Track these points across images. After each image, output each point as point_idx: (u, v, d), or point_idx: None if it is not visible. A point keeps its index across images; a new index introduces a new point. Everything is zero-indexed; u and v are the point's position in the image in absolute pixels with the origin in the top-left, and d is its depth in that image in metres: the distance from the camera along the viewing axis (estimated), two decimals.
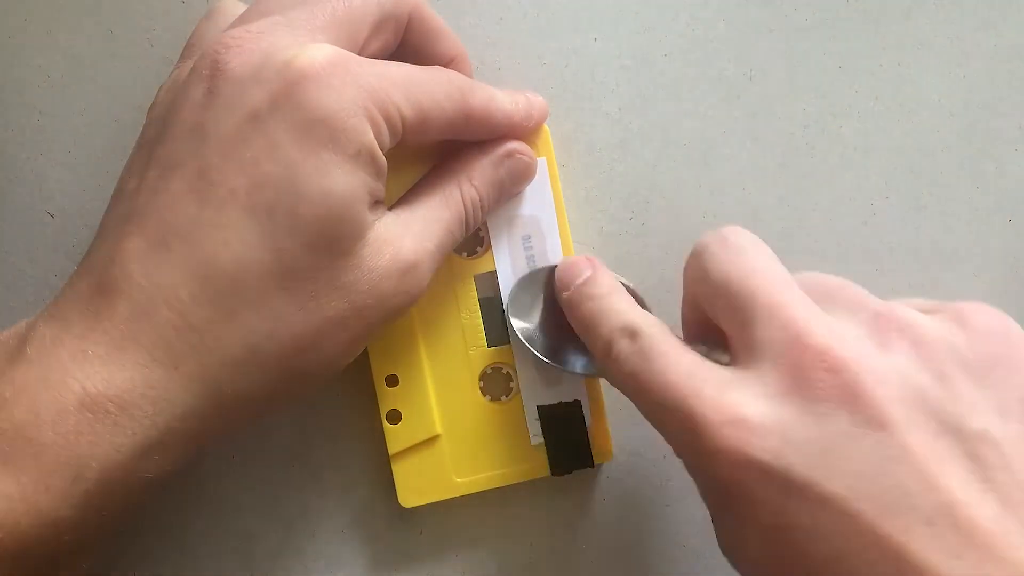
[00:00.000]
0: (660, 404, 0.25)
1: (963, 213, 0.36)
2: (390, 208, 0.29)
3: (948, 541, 0.21)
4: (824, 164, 0.35)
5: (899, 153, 0.36)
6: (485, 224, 0.33)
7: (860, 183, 0.36)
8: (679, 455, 0.26)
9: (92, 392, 0.24)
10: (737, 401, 0.24)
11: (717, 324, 0.27)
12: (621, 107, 0.35)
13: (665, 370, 0.25)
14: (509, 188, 0.32)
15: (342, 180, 0.26)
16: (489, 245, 0.33)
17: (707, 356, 0.26)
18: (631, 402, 0.27)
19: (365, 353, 0.33)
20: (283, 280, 0.26)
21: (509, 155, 0.31)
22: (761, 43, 0.35)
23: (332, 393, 0.34)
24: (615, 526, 0.35)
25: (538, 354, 0.32)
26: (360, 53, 0.28)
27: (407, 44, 0.30)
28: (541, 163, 0.33)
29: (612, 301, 0.29)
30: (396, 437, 0.33)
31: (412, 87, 0.27)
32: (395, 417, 0.33)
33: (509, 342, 0.33)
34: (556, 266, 0.33)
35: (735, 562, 0.25)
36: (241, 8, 0.30)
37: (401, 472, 0.33)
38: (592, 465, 0.33)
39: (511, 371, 0.34)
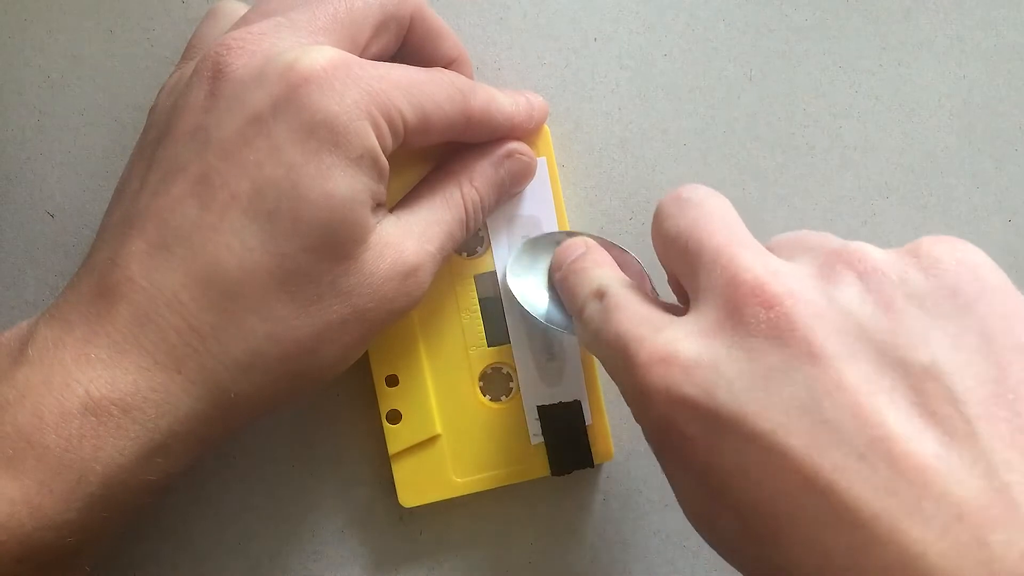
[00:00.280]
0: (612, 354, 0.25)
1: (963, 213, 0.36)
2: (391, 210, 0.29)
3: (882, 477, 0.19)
4: (824, 164, 0.36)
5: (899, 153, 0.36)
6: (485, 224, 0.33)
7: (860, 183, 0.36)
8: (628, 404, 0.25)
9: (95, 395, 0.24)
10: (669, 339, 0.23)
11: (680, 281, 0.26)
12: (621, 107, 0.35)
13: (620, 320, 0.25)
14: (509, 188, 0.32)
15: (344, 183, 0.26)
16: (489, 245, 0.33)
17: None
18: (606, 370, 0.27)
19: (365, 353, 0.33)
20: (285, 283, 0.26)
21: (509, 155, 0.31)
22: (761, 43, 0.35)
23: (332, 393, 0.35)
24: (615, 526, 0.35)
25: (535, 316, 0.32)
26: (361, 55, 0.28)
27: (408, 45, 0.30)
28: (541, 163, 0.33)
29: (592, 268, 0.29)
30: (396, 437, 0.33)
31: (414, 89, 0.27)
32: (395, 417, 0.33)
33: (509, 342, 0.33)
34: (558, 234, 0.33)
35: (687, 517, 0.24)
36: (242, 9, 0.30)
37: (401, 472, 0.33)
38: (592, 465, 0.33)
39: (511, 371, 0.34)
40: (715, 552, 0.25)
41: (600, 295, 0.27)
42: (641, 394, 0.23)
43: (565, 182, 0.35)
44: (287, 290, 0.26)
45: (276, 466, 0.35)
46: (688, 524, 0.25)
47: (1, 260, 0.34)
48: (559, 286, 0.31)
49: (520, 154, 0.32)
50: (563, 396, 0.33)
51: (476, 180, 0.31)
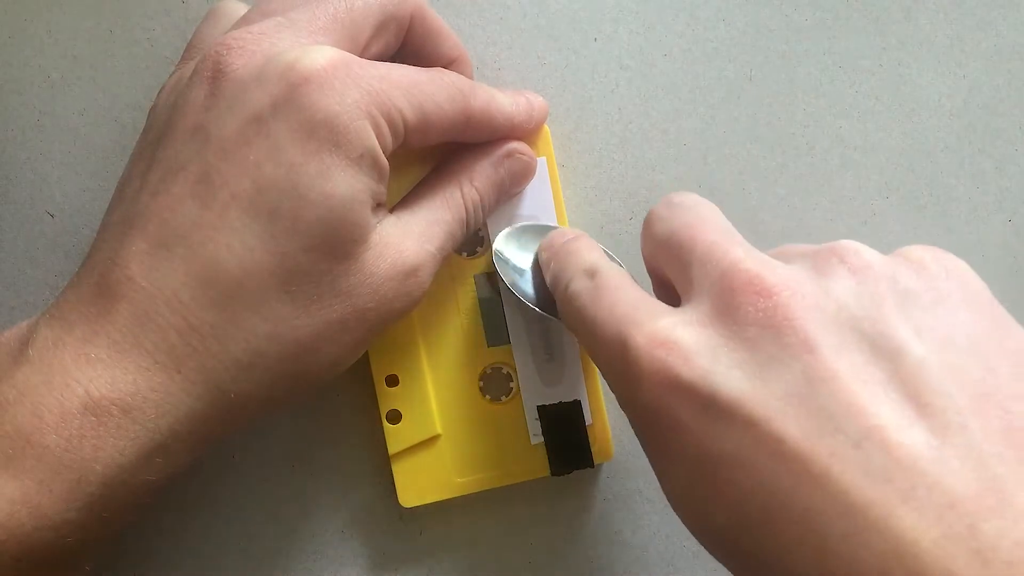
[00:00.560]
0: (601, 337, 0.25)
1: (963, 213, 0.36)
2: (391, 210, 0.29)
3: (876, 464, 0.20)
4: (824, 164, 0.36)
5: (899, 153, 0.36)
6: (485, 224, 0.33)
7: (860, 183, 0.36)
8: (615, 392, 0.25)
9: (96, 395, 0.24)
10: (667, 325, 0.23)
11: (671, 281, 0.27)
12: (621, 107, 0.35)
13: (612, 302, 0.25)
14: (509, 188, 0.32)
15: (344, 183, 0.26)
16: (489, 245, 0.33)
17: None
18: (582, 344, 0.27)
19: (365, 353, 0.33)
20: (285, 283, 0.26)
21: (509, 155, 0.31)
22: (761, 43, 0.35)
23: (332, 393, 0.35)
24: (615, 526, 0.35)
25: (523, 299, 0.32)
26: (361, 55, 0.28)
27: (408, 45, 0.30)
28: (541, 163, 0.33)
29: (586, 251, 0.29)
30: (396, 437, 0.33)
31: (414, 89, 0.27)
32: (395, 417, 0.33)
33: (509, 342, 0.33)
34: (549, 226, 0.33)
35: (674, 507, 0.24)
36: (242, 9, 0.30)
37: (401, 472, 0.33)
38: (592, 465, 0.33)
39: (511, 371, 0.34)
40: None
41: (592, 273, 0.27)
42: (634, 377, 0.23)
43: (565, 182, 0.35)
44: (287, 290, 0.26)
45: (276, 466, 0.35)
46: (664, 493, 0.24)
47: (1, 260, 0.34)
48: (545, 264, 0.31)
49: (520, 154, 0.32)
50: (563, 396, 0.33)
51: (476, 180, 0.31)
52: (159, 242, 0.26)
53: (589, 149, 0.35)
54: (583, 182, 0.35)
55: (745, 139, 0.35)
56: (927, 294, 0.23)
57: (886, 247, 0.35)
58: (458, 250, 0.33)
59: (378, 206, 0.28)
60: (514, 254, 0.32)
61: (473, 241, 0.33)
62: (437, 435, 0.33)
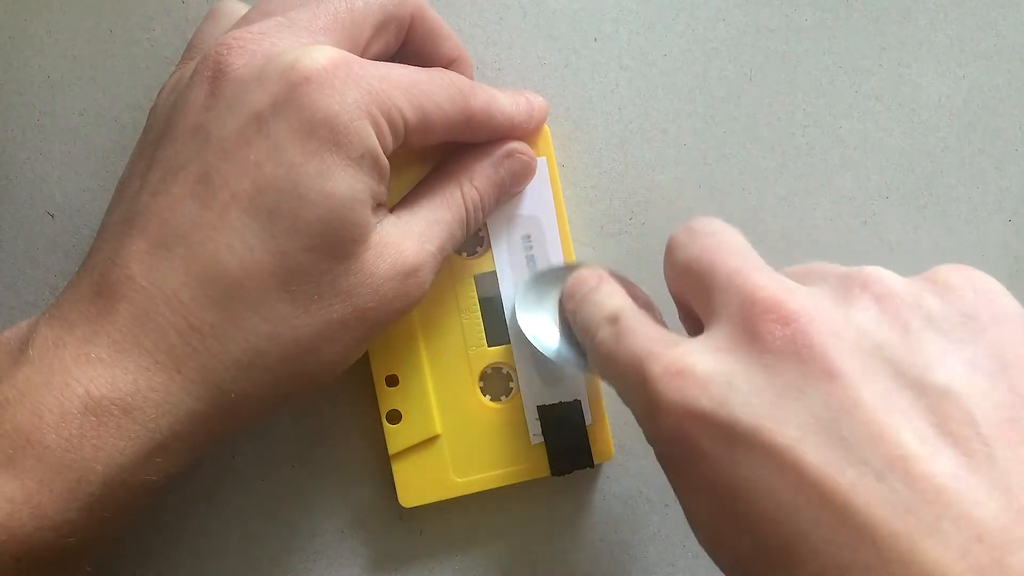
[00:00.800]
0: (624, 373, 0.25)
1: (963, 213, 0.36)
2: (391, 210, 0.29)
3: (900, 496, 0.19)
4: (824, 164, 0.36)
5: (899, 153, 0.36)
6: (485, 224, 0.33)
7: (860, 183, 0.36)
8: (640, 423, 0.25)
9: (96, 395, 0.24)
10: (684, 352, 0.23)
11: (694, 310, 0.26)
12: (621, 107, 0.35)
13: (633, 341, 0.25)
14: (509, 188, 0.32)
15: (345, 183, 0.26)
16: (489, 245, 0.33)
17: None
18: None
19: (365, 353, 0.33)
20: (285, 283, 0.26)
21: (509, 155, 0.31)
22: (761, 43, 0.35)
23: (332, 393, 0.35)
24: (615, 526, 0.35)
25: (546, 354, 0.32)
26: (362, 54, 0.28)
27: (408, 45, 0.30)
28: (541, 163, 0.33)
29: (606, 297, 0.29)
30: (396, 437, 0.33)
31: (414, 89, 0.27)
32: (395, 417, 0.33)
33: (509, 342, 0.33)
34: (564, 267, 0.33)
35: (699, 540, 0.24)
36: (242, 9, 0.30)
37: (401, 472, 0.33)
38: (592, 465, 0.33)
39: (511, 371, 0.34)
40: None
41: (613, 320, 0.27)
42: (654, 408, 0.23)
43: (565, 182, 0.35)
44: (287, 289, 0.26)
45: (276, 466, 0.35)
46: (688, 525, 0.24)
47: (1, 260, 0.34)
48: (572, 316, 0.31)
49: (520, 154, 0.32)
50: (563, 396, 0.33)
51: (476, 180, 0.31)
52: (159, 242, 0.25)
53: (589, 149, 0.35)
54: (583, 182, 0.35)
55: (745, 139, 0.35)
56: (953, 317, 0.22)
57: (886, 247, 0.35)
58: (458, 250, 0.33)
59: (378, 206, 0.28)
60: (537, 322, 0.32)
61: (473, 241, 0.33)
62: (437, 435, 0.33)
